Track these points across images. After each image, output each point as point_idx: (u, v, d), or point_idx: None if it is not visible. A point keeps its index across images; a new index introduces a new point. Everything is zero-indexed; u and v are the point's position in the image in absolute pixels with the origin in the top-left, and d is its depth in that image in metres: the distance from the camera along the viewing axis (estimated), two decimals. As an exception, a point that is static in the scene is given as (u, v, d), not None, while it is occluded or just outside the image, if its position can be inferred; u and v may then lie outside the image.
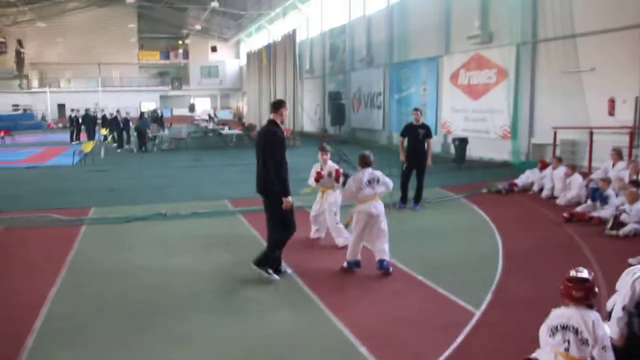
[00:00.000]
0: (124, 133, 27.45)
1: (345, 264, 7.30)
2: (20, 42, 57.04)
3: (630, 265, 7.20)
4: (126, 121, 27.38)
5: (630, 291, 4.57)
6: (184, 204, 12.03)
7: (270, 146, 6.77)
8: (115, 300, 6.39)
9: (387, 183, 7.33)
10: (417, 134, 11.40)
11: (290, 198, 6.80)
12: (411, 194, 11.62)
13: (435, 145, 21.92)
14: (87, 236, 9.55)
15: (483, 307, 5.94)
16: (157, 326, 5.61)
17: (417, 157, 11.38)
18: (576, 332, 3.98)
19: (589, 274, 4.13)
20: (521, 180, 13.52)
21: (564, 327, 4.04)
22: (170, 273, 7.35)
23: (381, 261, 7.06)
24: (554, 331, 4.10)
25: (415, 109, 11.86)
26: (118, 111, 28.29)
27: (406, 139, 11.61)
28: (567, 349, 4.00)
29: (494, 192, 13.11)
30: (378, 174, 7.26)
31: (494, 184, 13.45)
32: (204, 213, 11.12)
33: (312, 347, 5.13)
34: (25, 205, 12.29)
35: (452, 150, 19.59)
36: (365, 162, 7.28)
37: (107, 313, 5.98)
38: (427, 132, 11.50)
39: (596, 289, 4.13)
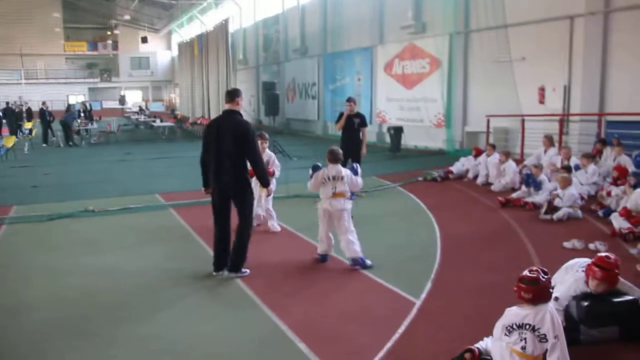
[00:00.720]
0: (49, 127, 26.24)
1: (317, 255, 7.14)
2: None
3: (565, 248, 7.30)
4: (49, 114, 26.11)
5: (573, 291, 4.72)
6: (113, 200, 11.46)
7: (248, 139, 6.40)
8: (35, 306, 5.87)
9: (356, 184, 7.08)
10: (352, 123, 11.22)
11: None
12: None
13: (370, 134, 22.01)
14: (6, 237, 8.90)
15: (423, 296, 5.80)
16: (82, 331, 5.19)
17: (352, 147, 11.14)
18: (533, 329, 3.82)
19: (543, 274, 3.92)
20: (456, 167, 13.58)
21: (520, 326, 3.88)
22: (96, 273, 6.86)
23: (353, 260, 6.79)
24: (510, 330, 3.93)
25: (348, 99, 11.66)
26: (44, 103, 27.04)
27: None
28: (523, 348, 3.85)
29: (430, 180, 13.13)
30: (345, 172, 6.99)
31: (430, 172, 13.48)
32: (134, 208, 10.61)
33: (248, 345, 4.84)
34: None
35: (388, 139, 19.62)
36: (334, 158, 7.00)
37: (22, 321, 5.49)
38: (362, 122, 11.34)
39: (550, 290, 3.97)
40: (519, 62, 15.72)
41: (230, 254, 6.56)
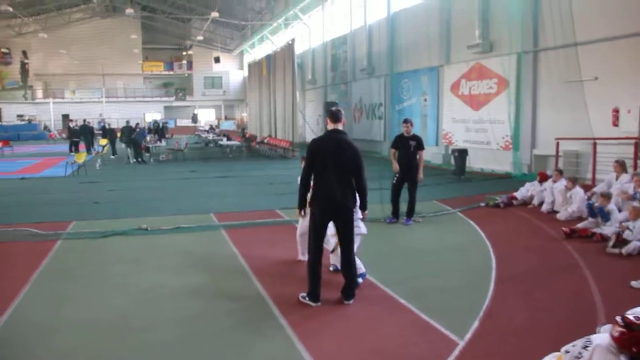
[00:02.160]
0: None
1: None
2: (24, 53, 57.26)
3: (633, 288, 6.69)
4: (110, 131, 27.07)
5: None
6: (168, 218, 11.54)
7: (359, 159, 6.37)
8: (75, 322, 5.86)
9: None
10: (408, 146, 10.84)
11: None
12: (403, 207, 11.04)
13: (436, 156, 21.69)
14: (59, 252, 9.04)
15: (468, 336, 5.37)
16: (114, 351, 5.10)
17: (408, 170, 10.81)
18: None
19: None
20: (521, 193, 12.96)
21: None
22: (136, 294, 6.81)
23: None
24: None
25: (405, 120, 11.26)
26: (128, 122, 28.19)
27: (398, 152, 11.09)
28: None
29: (492, 206, 12.54)
30: None
31: (493, 197, 12.90)
32: (186, 228, 10.61)
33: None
34: (7, 217, 11.81)
35: (453, 161, 19.08)
36: None
37: (57, 343, 5.45)
38: (419, 144, 10.91)
39: None
40: (591, 82, 14.94)
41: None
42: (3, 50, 56.90)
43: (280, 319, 5.88)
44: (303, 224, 7.94)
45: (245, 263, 8.14)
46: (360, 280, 6.83)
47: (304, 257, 8.06)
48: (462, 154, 18.32)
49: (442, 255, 8.67)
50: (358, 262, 6.83)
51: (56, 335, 5.56)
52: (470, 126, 20.46)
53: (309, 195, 6.57)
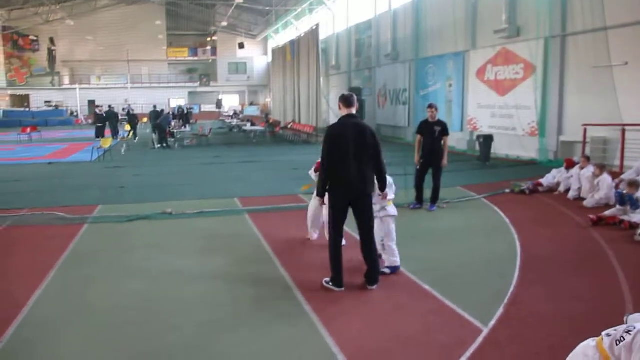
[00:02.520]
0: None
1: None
2: (52, 40, 58.02)
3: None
4: (133, 116, 27.49)
5: None
6: (192, 202, 11.63)
7: (377, 142, 6.41)
8: (99, 307, 5.95)
9: None
10: (432, 132, 10.73)
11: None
12: (428, 194, 10.97)
13: (461, 142, 21.51)
14: (85, 235, 9.17)
15: (492, 323, 5.33)
16: (138, 336, 5.17)
17: (433, 156, 10.71)
18: None
19: None
20: (547, 180, 12.79)
21: None
22: (162, 277, 6.90)
23: None
24: None
25: (430, 106, 11.14)
26: (155, 106, 28.52)
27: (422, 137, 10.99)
28: None
29: (518, 193, 12.39)
30: None
31: (518, 183, 12.75)
32: (210, 212, 10.68)
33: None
34: (34, 202, 12.01)
35: (478, 147, 18.89)
36: None
37: (86, 322, 5.54)
38: (444, 129, 10.80)
39: None
40: (621, 67, 14.63)
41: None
42: (31, 37, 57.67)
43: (304, 304, 5.90)
44: (314, 203, 8.02)
45: (269, 247, 8.19)
46: (387, 271, 6.82)
47: (315, 234, 8.17)
48: (487, 140, 18.13)
49: (467, 242, 8.59)
50: (394, 252, 6.88)
51: (81, 319, 5.64)
52: (495, 112, 20.23)
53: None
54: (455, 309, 5.71)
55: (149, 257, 7.86)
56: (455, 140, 20.79)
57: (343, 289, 6.28)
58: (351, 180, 6.24)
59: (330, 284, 6.35)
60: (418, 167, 10.91)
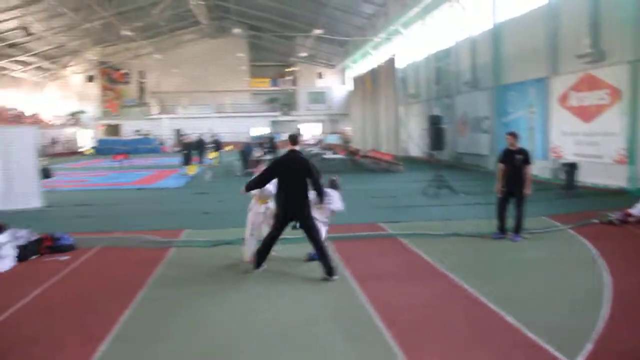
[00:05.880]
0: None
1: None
2: (141, 73, 61.57)
3: None
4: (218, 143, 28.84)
5: None
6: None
7: (313, 168, 8.29)
8: (185, 328, 6.33)
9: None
10: (514, 160, 10.68)
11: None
12: (511, 223, 10.87)
13: (544, 170, 21.05)
14: (173, 259, 9.74)
15: (580, 359, 5.29)
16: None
17: (515, 184, 10.63)
18: None
19: None
20: (637, 209, 12.39)
21: None
22: (245, 298, 7.22)
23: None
24: None
25: (509, 133, 11.08)
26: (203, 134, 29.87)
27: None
28: None
29: (606, 223, 12.05)
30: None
31: (606, 213, 12.41)
32: (290, 239, 10.88)
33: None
34: (126, 225, 12.86)
35: (562, 176, 18.44)
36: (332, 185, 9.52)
37: (173, 342, 5.94)
38: (525, 158, 10.71)
39: None
40: None
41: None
42: (123, 71, 61.36)
43: (384, 331, 6.04)
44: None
45: (349, 273, 8.44)
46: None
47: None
48: (572, 168, 17.70)
49: (553, 274, 8.47)
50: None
51: (168, 339, 6.03)
52: (580, 139, 19.73)
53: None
54: (540, 344, 5.66)
55: (233, 280, 8.26)
56: (538, 169, 20.35)
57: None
58: (293, 203, 8.35)
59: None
60: (500, 196, 10.85)
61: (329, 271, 8.12)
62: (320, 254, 8.26)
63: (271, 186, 8.84)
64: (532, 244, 10.48)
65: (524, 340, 5.81)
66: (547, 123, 21.80)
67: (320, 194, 8.39)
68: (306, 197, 8.30)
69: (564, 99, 20.55)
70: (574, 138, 20.01)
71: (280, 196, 8.41)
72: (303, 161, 8.38)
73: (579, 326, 6.12)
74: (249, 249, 9.04)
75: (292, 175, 8.26)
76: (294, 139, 8.62)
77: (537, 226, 11.71)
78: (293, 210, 8.32)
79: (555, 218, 12.80)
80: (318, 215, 8.89)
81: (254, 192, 8.95)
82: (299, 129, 60.43)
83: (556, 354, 5.39)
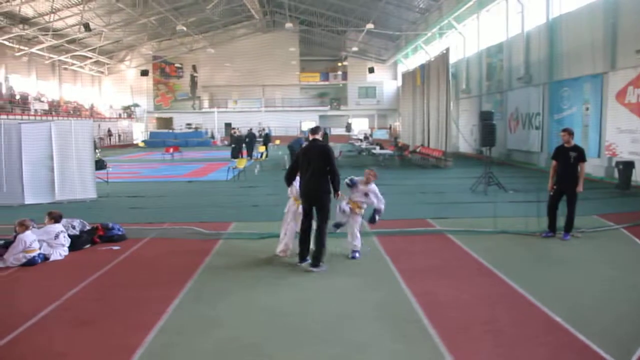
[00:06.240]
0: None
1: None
2: (194, 67, 62.61)
3: None
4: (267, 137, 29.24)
5: None
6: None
7: (330, 157, 8.57)
8: (231, 319, 6.44)
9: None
10: (568, 157, 10.45)
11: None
12: (561, 222, 10.66)
13: (598, 169, 20.54)
14: (221, 250, 9.88)
15: (632, 363, 5.13)
16: (265, 352, 5.54)
17: (567, 182, 10.39)
18: None
19: None
20: (694, 210, 12.00)
21: None
22: (289, 291, 7.33)
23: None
24: None
25: (564, 130, 10.88)
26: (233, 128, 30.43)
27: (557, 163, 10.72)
28: None
29: (661, 223, 11.71)
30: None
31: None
32: (336, 234, 10.94)
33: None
34: (176, 217, 13.14)
35: (617, 174, 17.97)
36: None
37: (218, 332, 6.02)
38: (580, 155, 10.46)
39: None
40: None
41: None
42: (176, 65, 62.52)
43: (429, 329, 6.03)
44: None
45: (395, 268, 8.44)
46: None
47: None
48: (627, 166, 17.21)
49: (603, 274, 8.25)
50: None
51: (214, 329, 6.12)
52: (637, 137, 19.17)
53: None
54: (589, 345, 5.50)
55: (278, 274, 8.34)
56: (591, 167, 19.86)
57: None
58: (310, 189, 8.59)
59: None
60: (551, 194, 10.65)
61: (316, 263, 8.44)
62: (318, 243, 8.53)
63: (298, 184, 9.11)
64: (583, 243, 10.25)
65: (573, 341, 5.65)
66: (603, 120, 21.26)
67: (334, 181, 8.58)
68: (325, 185, 8.55)
69: (621, 95, 19.99)
70: (631, 135, 19.46)
71: (301, 182, 8.77)
72: (322, 148, 8.70)
73: (631, 328, 5.95)
74: (284, 243, 9.33)
75: (311, 161, 8.55)
76: (315, 130, 8.99)
77: (589, 225, 11.44)
78: (311, 196, 8.60)
79: (608, 217, 12.48)
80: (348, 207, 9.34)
81: (291, 193, 9.28)
82: (350, 124, 60.63)
83: (606, 356, 5.23)
